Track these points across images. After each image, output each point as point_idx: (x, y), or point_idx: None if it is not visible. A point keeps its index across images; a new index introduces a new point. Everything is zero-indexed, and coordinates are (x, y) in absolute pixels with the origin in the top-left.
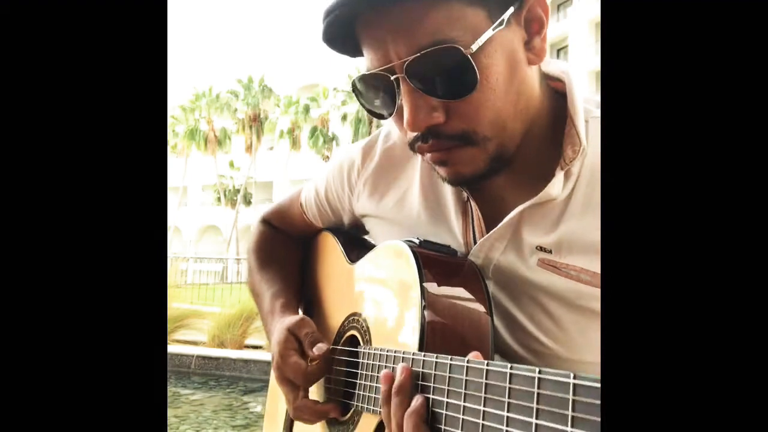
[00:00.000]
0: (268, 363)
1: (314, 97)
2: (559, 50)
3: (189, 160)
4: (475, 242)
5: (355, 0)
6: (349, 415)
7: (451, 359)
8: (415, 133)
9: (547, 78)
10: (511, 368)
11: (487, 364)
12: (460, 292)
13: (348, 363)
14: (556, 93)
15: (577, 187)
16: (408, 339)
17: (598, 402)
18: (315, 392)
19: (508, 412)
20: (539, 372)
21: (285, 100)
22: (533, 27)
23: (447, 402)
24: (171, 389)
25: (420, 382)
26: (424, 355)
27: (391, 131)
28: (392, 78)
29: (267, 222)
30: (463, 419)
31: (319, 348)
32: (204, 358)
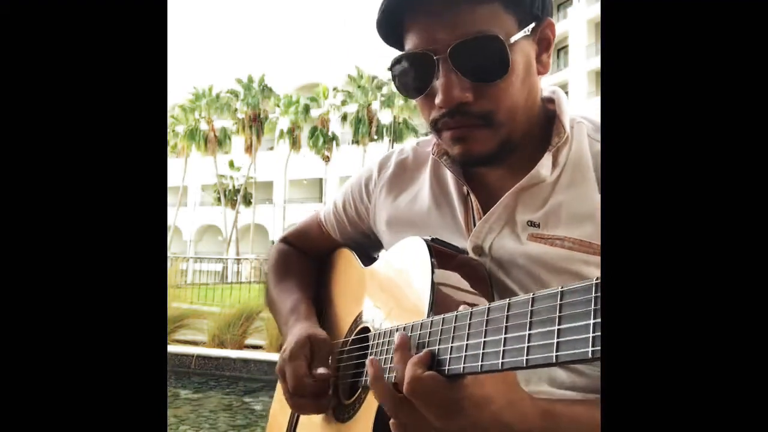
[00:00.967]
0: (268, 363)
1: (314, 97)
2: (559, 50)
3: (189, 160)
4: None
5: None
6: (355, 396)
7: (455, 314)
8: (443, 110)
9: (541, 99)
10: (509, 300)
11: (489, 305)
12: (466, 284)
13: (358, 351)
14: (548, 111)
15: (563, 173)
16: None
17: (588, 308)
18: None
19: (505, 334)
20: (533, 294)
21: (285, 100)
22: (543, 44)
23: (451, 347)
24: (171, 389)
25: (428, 339)
26: (431, 320)
27: (404, 147)
28: (435, 58)
29: (285, 240)
30: (465, 356)
31: (321, 371)
32: (204, 358)
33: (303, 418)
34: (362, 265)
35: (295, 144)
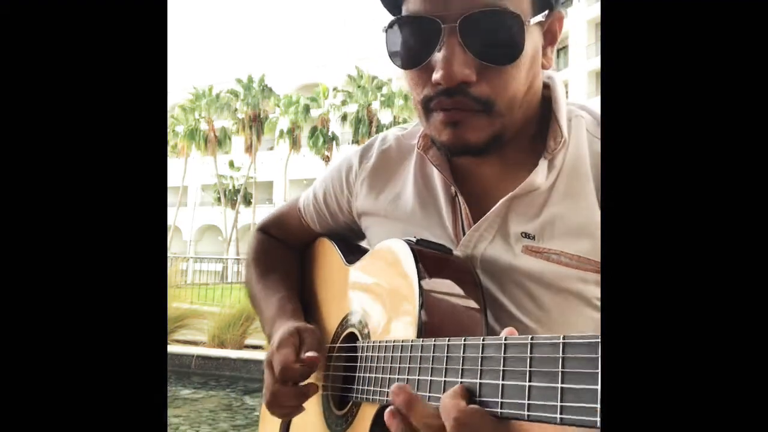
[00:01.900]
0: None
1: (314, 97)
2: (559, 50)
3: (189, 160)
4: (464, 234)
5: None
6: (347, 407)
7: (448, 340)
8: (440, 88)
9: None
10: (505, 339)
11: (483, 340)
12: (456, 289)
13: (346, 359)
14: (543, 98)
15: (560, 178)
16: (406, 334)
17: (589, 356)
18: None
19: (503, 380)
20: (531, 339)
21: (285, 100)
22: (548, 37)
23: (444, 381)
24: (171, 389)
25: (420, 366)
26: (423, 341)
27: (387, 136)
28: (442, 26)
29: (264, 231)
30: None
31: (310, 353)
32: (204, 358)
33: (296, 423)
34: (345, 261)
35: (295, 144)
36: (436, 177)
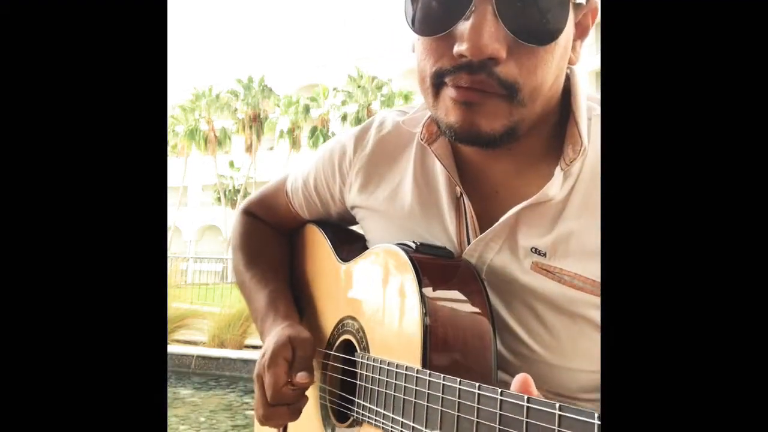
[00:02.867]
0: None
1: (314, 97)
2: None
3: (189, 160)
4: (468, 241)
5: None
6: (348, 423)
7: (459, 383)
8: (463, 60)
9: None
10: (528, 401)
11: (501, 394)
12: (460, 296)
13: (344, 369)
14: (564, 93)
15: (576, 188)
16: (409, 348)
17: None
18: (308, 394)
19: None
20: (560, 408)
21: (285, 100)
22: (579, 30)
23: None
24: (171, 389)
25: (441, 409)
26: (430, 374)
27: (385, 119)
28: None
29: (250, 213)
30: None
31: (302, 376)
32: (204, 358)
33: (293, 426)
34: (338, 257)
35: (295, 144)
36: (439, 172)
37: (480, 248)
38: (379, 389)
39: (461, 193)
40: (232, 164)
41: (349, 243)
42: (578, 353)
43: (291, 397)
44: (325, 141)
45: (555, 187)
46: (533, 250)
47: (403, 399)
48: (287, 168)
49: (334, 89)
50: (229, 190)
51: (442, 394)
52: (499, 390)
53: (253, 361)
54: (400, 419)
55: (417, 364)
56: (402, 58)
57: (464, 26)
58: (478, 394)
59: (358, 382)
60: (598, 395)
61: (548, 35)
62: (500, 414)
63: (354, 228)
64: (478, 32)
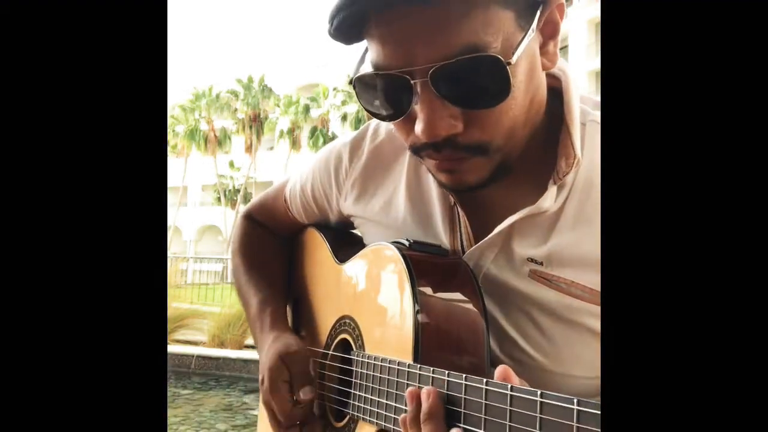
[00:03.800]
0: None
1: (314, 97)
2: (559, 50)
3: (189, 160)
4: (463, 250)
5: None
6: (344, 422)
7: (486, 383)
8: (425, 141)
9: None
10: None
11: (541, 395)
12: (453, 294)
13: (341, 368)
14: (552, 91)
15: (570, 199)
16: (402, 344)
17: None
18: None
19: None
20: (541, 395)
21: (285, 100)
22: (547, 30)
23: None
24: (171, 389)
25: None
26: (420, 368)
27: (379, 127)
28: (412, 82)
29: (251, 217)
30: None
31: (305, 392)
32: (204, 358)
33: None
34: (336, 259)
35: (295, 144)
36: (432, 182)
37: (476, 256)
38: (372, 385)
39: (454, 203)
40: (232, 164)
41: (348, 245)
42: (576, 360)
43: (302, 416)
44: (325, 141)
45: (549, 201)
46: (530, 259)
47: (396, 394)
48: (287, 168)
49: (334, 89)
50: (229, 190)
51: (432, 386)
52: (485, 380)
53: (253, 361)
54: (392, 416)
55: (409, 359)
56: None
57: (416, 108)
58: (465, 384)
59: (353, 380)
60: (596, 401)
61: (497, 96)
62: (486, 404)
63: (355, 232)
64: (427, 117)
